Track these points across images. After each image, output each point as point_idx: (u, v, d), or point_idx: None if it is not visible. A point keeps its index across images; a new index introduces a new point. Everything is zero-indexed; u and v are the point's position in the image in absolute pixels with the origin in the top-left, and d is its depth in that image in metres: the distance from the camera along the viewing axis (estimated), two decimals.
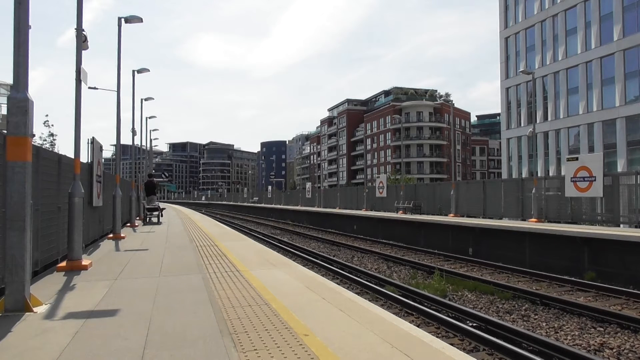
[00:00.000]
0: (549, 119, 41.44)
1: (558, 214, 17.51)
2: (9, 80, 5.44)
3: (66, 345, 3.52)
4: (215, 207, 76.15)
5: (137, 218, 20.37)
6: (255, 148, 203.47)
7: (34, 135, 4.88)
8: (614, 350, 6.31)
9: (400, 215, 24.03)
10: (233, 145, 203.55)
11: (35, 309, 4.53)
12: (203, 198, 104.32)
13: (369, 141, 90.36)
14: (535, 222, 17.07)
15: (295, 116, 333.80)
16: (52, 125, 46.53)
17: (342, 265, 13.29)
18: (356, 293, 8.53)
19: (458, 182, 24.83)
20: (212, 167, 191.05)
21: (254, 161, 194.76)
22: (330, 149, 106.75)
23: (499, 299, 9.22)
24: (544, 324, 7.59)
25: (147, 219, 19.61)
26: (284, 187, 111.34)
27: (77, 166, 7.39)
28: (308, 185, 49.61)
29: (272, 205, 51.33)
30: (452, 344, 5.00)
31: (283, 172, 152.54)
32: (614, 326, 7.37)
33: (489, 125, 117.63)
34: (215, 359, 3.22)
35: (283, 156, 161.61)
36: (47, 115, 57.45)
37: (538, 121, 40.87)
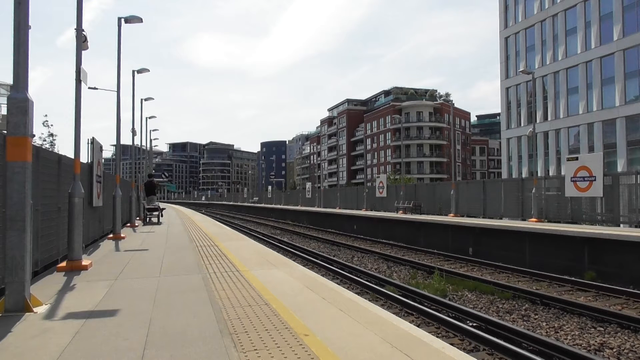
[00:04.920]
0: (549, 118, 41.45)
1: (558, 214, 17.51)
2: (9, 80, 5.44)
3: (66, 345, 3.52)
4: (215, 207, 76.15)
5: (137, 218, 20.37)
6: (255, 148, 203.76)
7: (33, 136, 4.86)
8: (614, 350, 6.31)
9: (400, 215, 24.03)
10: (233, 145, 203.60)
11: (35, 309, 4.53)
12: (203, 198, 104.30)
13: (369, 141, 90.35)
14: (535, 222, 17.06)
15: (295, 116, 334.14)
16: (52, 125, 46.67)
17: (342, 265, 13.29)
18: (356, 293, 8.53)
19: (458, 182, 24.83)
20: (212, 167, 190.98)
21: (254, 161, 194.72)
22: (330, 149, 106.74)
23: (499, 299, 9.22)
24: (544, 323, 7.59)
25: (147, 219, 19.60)
26: (284, 187, 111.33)
27: (77, 166, 7.39)
28: (308, 185, 49.60)
29: (272, 205, 51.32)
30: (452, 344, 5.00)
31: (283, 172, 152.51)
32: (614, 326, 7.37)
33: (489, 125, 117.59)
34: (215, 359, 3.22)
35: (283, 156, 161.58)
36: (46, 116, 57.60)
37: (538, 121, 40.87)
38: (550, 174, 38.96)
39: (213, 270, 6.98)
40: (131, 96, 21.78)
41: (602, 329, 7.27)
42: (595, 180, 15.25)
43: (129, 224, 17.73)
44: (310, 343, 3.54)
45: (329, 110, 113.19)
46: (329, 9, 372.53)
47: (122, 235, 12.62)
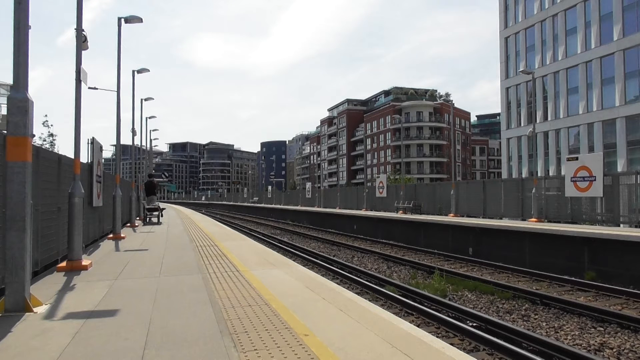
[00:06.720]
0: (549, 118, 41.44)
1: (558, 214, 17.51)
2: (9, 80, 5.43)
3: (66, 346, 3.52)
4: (215, 207, 76.14)
5: (137, 218, 20.37)
6: (255, 148, 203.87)
7: (34, 136, 4.87)
8: (614, 350, 6.31)
9: (400, 215, 24.03)
10: (233, 145, 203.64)
11: (35, 309, 4.53)
12: (203, 198, 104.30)
13: (369, 141, 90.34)
14: (535, 222, 17.06)
15: (295, 116, 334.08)
16: (52, 125, 46.89)
17: (342, 265, 13.29)
18: (356, 293, 8.53)
19: (458, 182, 24.83)
20: (212, 167, 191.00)
21: (254, 161, 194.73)
22: (330, 149, 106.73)
23: (499, 299, 9.22)
24: (544, 323, 7.59)
25: (147, 219, 19.61)
26: (284, 187, 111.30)
27: (77, 166, 7.39)
28: (308, 185, 49.58)
29: (272, 205, 51.32)
30: (452, 344, 5.00)
31: (283, 172, 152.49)
32: (614, 326, 7.37)
33: (489, 125, 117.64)
34: (215, 359, 3.22)
35: (283, 156, 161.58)
36: (46, 116, 57.73)
37: (538, 121, 40.87)
38: (550, 174, 38.95)
39: (213, 270, 6.98)
40: (131, 96, 21.80)
41: (602, 329, 7.27)
42: (595, 180, 15.25)
43: (129, 224, 17.73)
44: (310, 343, 3.54)
45: (329, 110, 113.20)
46: (329, 9, 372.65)
47: (122, 235, 12.62)
